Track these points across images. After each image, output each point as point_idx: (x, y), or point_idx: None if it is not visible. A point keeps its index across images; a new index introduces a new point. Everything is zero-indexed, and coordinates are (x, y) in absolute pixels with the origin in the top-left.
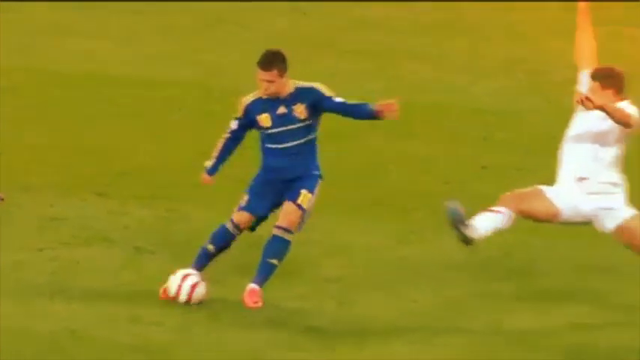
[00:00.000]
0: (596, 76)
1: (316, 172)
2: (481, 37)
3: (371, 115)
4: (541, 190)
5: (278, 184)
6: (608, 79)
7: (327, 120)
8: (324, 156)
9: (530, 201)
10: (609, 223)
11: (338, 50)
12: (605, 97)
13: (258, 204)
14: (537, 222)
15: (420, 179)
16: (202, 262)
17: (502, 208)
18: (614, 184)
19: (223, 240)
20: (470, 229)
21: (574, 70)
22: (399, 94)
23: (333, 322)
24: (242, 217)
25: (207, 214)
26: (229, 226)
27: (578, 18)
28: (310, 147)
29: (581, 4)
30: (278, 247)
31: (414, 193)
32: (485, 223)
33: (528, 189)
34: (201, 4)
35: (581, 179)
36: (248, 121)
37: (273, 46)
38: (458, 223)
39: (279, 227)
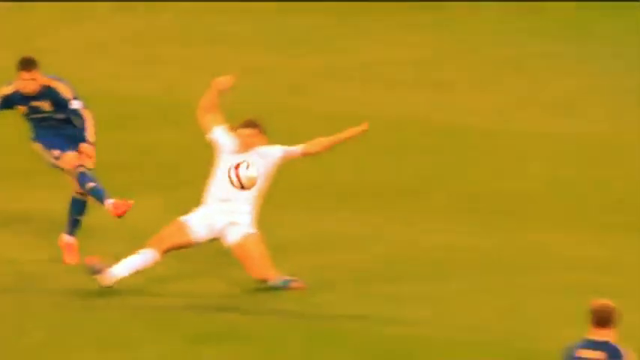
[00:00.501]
0: (252, 125)
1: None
2: (232, 45)
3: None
4: (181, 222)
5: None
6: (257, 126)
7: (108, 111)
8: (104, 145)
9: (171, 238)
10: (231, 238)
11: (117, 57)
12: (263, 140)
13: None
14: (180, 250)
15: (183, 163)
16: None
17: (148, 250)
18: (248, 209)
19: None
20: (106, 277)
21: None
22: (162, 93)
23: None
24: (65, 158)
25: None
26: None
27: (211, 86)
28: (72, 120)
29: (215, 87)
30: (79, 206)
31: (182, 172)
32: (124, 267)
33: (170, 226)
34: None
35: (224, 200)
36: (6, 106)
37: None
38: (94, 274)
39: (77, 192)
